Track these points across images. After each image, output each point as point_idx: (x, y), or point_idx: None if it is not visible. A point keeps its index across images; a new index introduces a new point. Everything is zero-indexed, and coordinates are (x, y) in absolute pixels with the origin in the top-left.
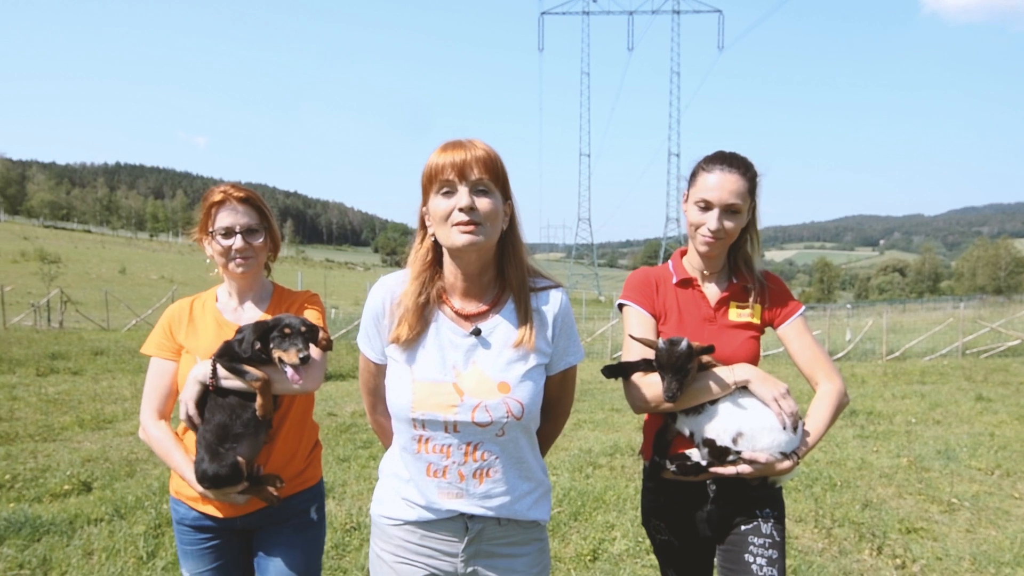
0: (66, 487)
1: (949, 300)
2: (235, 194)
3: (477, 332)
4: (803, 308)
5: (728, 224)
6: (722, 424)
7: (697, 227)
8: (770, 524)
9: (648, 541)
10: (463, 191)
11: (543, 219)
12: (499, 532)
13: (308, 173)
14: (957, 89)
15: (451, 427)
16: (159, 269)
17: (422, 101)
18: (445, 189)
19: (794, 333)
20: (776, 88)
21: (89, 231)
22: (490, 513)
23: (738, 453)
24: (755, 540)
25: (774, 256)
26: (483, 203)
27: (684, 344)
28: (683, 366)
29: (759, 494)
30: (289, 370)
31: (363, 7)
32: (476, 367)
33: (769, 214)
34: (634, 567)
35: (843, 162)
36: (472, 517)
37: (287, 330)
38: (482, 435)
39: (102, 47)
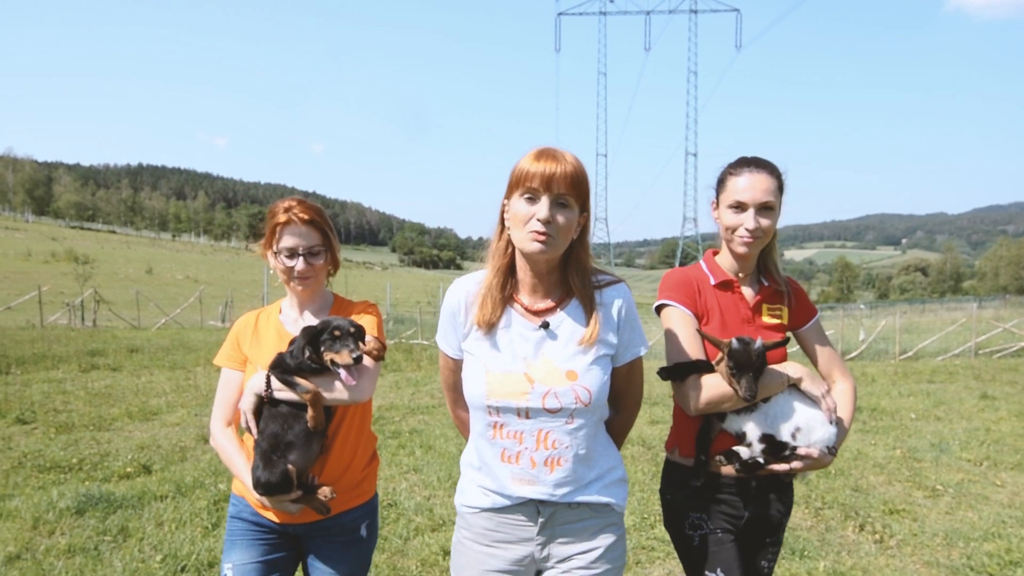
0: (128, 469)
1: (970, 300)
2: (300, 215)
3: (546, 325)
4: (819, 314)
5: (764, 222)
6: (782, 420)
7: (733, 229)
8: (783, 532)
9: (655, 519)
10: (544, 202)
11: None
12: (571, 515)
13: (326, 173)
14: (983, 85)
15: (523, 413)
16: (183, 269)
17: (438, 102)
18: (529, 195)
19: (814, 335)
20: (795, 87)
21: (114, 232)
22: (560, 500)
23: (794, 449)
24: (772, 549)
25: (794, 255)
26: (560, 217)
27: (759, 343)
28: (761, 365)
29: (788, 499)
30: (343, 372)
31: (381, 7)
32: (545, 358)
33: (788, 213)
34: (640, 539)
35: (864, 160)
36: (543, 503)
37: (336, 332)
38: (552, 422)
39: (123, 47)
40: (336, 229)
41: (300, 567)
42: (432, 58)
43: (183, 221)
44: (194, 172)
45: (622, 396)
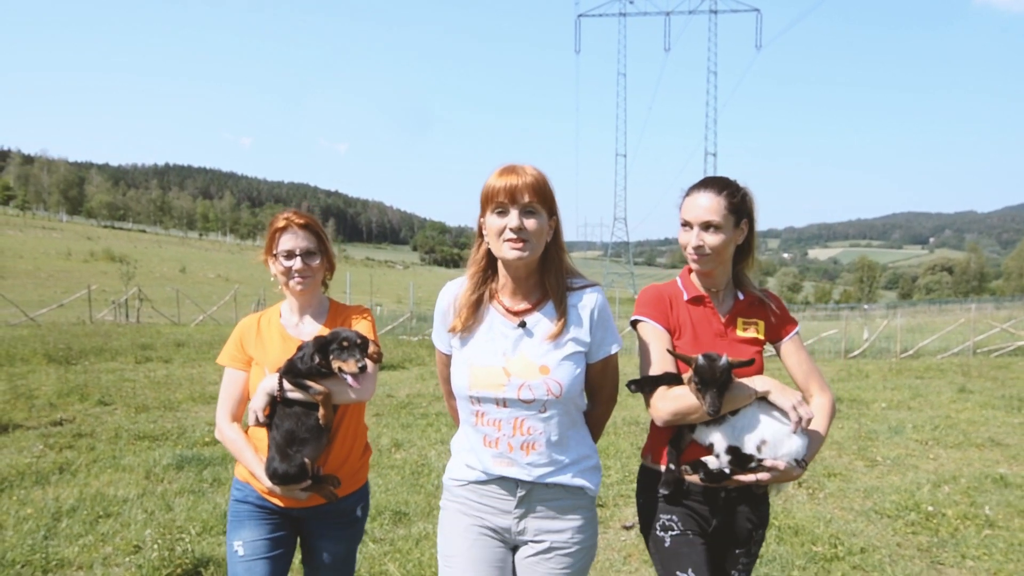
0: (207, 439)
1: (991, 301)
2: (296, 221)
3: (523, 324)
4: (799, 326)
5: (709, 239)
6: (747, 432)
7: (685, 247)
8: (757, 545)
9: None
10: (514, 213)
11: (580, 218)
12: (547, 494)
13: (349, 173)
14: (1012, 80)
15: (501, 403)
16: (214, 268)
17: (460, 101)
18: (499, 209)
19: (792, 348)
20: (817, 86)
21: (144, 231)
22: (536, 480)
23: (760, 461)
24: (743, 560)
25: (818, 255)
26: (530, 223)
27: (724, 360)
28: (726, 381)
29: (761, 512)
30: (349, 377)
31: (404, 8)
32: (522, 353)
33: (813, 211)
34: (620, 489)
35: (890, 159)
36: (521, 481)
37: (344, 343)
38: (527, 411)
39: (147, 46)
40: (358, 228)
41: (299, 545)
42: (454, 59)
43: (210, 220)
44: (219, 172)
45: (598, 390)
